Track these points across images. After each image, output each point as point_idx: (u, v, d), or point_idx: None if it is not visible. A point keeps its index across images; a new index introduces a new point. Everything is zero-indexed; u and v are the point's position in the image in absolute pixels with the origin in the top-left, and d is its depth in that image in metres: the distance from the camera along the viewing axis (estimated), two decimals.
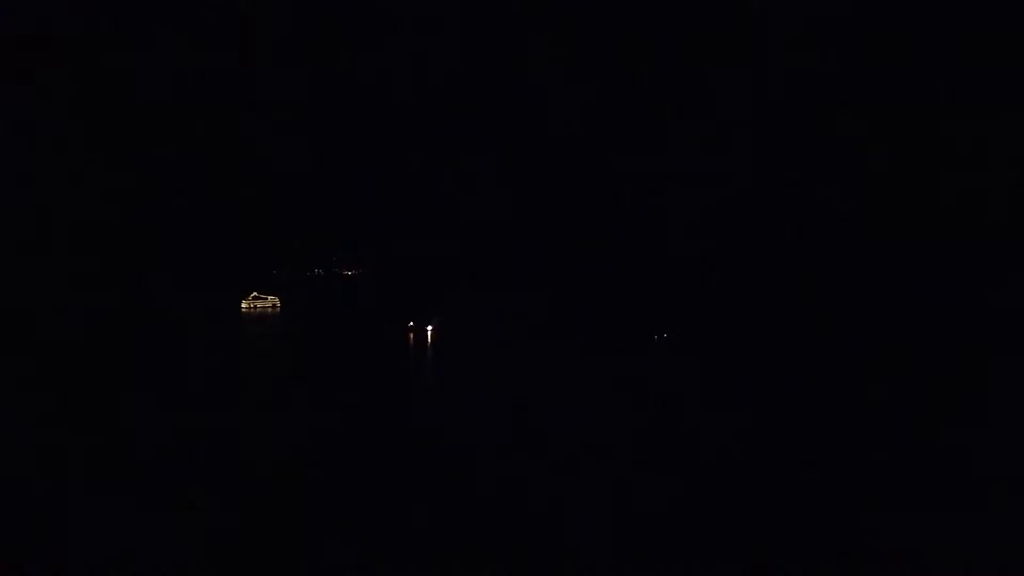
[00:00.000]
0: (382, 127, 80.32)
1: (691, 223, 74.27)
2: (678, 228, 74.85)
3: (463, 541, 19.56)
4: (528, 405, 38.08)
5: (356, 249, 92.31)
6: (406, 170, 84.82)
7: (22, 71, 66.03)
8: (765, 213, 71.92)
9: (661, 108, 74.00)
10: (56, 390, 35.40)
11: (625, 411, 37.56)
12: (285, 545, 18.99)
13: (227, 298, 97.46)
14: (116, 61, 70.91)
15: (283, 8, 78.03)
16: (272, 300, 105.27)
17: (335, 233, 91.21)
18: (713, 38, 69.92)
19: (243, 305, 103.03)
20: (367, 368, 57.88)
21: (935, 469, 22.33)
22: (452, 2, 75.25)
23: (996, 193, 59.78)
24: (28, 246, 77.17)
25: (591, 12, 73.61)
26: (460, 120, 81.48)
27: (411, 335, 78.11)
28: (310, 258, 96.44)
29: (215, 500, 20.79)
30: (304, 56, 75.95)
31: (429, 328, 78.64)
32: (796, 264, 68.87)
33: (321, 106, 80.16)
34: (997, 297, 54.32)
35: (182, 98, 77.98)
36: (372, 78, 77.05)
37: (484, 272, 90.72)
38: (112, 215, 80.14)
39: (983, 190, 60.53)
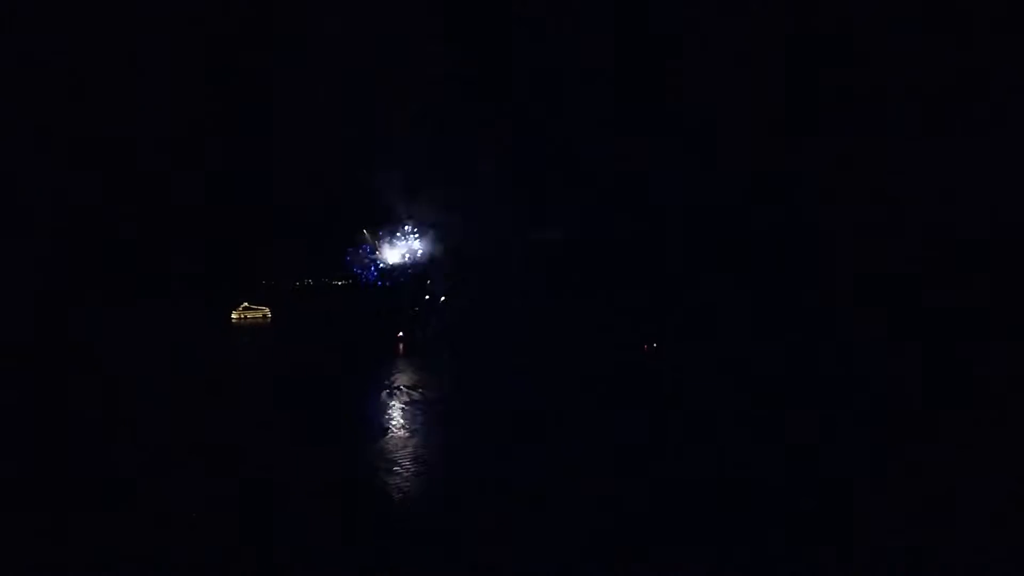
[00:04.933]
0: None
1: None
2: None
3: None
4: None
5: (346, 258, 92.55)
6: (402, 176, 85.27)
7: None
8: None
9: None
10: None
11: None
12: None
13: (217, 308, 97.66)
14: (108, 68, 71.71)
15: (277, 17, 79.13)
16: (263, 310, 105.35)
17: (325, 243, 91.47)
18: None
19: (233, 316, 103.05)
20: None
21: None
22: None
23: None
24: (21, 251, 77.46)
25: None
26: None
27: (400, 345, 78.28)
28: (300, 268, 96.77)
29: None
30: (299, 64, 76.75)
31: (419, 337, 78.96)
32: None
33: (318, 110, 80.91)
34: None
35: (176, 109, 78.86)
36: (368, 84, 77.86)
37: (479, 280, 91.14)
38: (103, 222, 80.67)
39: None
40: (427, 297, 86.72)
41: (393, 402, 41.69)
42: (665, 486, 21.26)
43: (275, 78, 76.97)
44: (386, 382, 49.54)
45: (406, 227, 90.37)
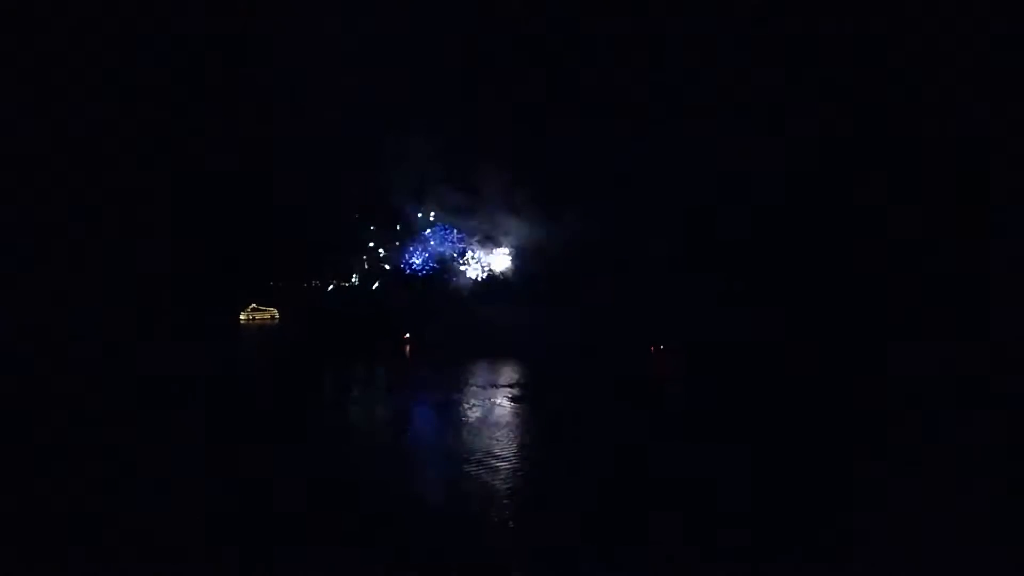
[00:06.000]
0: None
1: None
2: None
3: None
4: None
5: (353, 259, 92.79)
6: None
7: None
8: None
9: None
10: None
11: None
12: None
13: (226, 309, 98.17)
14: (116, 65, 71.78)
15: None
16: (271, 311, 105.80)
17: (332, 244, 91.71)
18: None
19: (242, 317, 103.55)
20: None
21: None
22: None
23: None
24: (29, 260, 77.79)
25: None
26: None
27: (407, 346, 78.10)
28: (307, 269, 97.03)
29: None
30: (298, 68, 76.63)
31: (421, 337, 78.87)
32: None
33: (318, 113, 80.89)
34: None
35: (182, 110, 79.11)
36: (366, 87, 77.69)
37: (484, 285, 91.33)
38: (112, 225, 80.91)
39: None
40: (436, 299, 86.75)
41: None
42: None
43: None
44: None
45: (423, 228, 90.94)
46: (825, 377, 49.16)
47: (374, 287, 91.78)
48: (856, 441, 29.17)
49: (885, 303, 64.56)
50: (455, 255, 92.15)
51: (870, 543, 17.47)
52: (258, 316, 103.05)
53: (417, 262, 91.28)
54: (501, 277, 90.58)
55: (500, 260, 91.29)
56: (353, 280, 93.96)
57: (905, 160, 65.41)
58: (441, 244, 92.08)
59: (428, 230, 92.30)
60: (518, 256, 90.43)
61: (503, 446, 28.22)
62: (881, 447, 27.81)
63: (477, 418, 34.86)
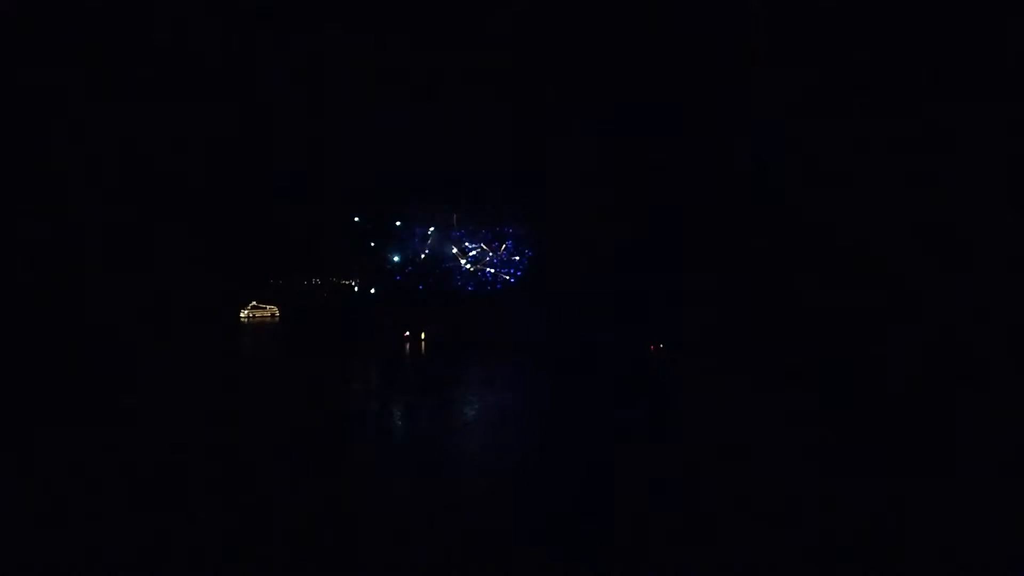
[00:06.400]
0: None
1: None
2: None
3: None
4: None
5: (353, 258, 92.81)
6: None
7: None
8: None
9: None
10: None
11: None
12: None
13: (226, 307, 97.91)
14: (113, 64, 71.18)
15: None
16: (271, 309, 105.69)
17: (332, 242, 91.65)
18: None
19: (242, 314, 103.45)
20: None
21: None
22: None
23: None
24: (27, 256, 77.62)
25: None
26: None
27: (407, 344, 78.30)
28: (307, 267, 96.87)
29: None
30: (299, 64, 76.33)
31: (422, 335, 78.92)
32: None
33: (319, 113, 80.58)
34: None
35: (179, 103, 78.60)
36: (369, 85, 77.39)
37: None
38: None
39: None
40: (436, 297, 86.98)
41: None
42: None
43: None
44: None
45: (425, 227, 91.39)
46: (825, 376, 49.18)
47: (374, 286, 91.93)
48: (856, 440, 29.20)
49: (885, 301, 64.40)
50: (456, 252, 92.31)
51: (870, 543, 17.50)
52: (258, 314, 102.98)
53: (419, 260, 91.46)
54: (502, 276, 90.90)
55: (502, 259, 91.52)
56: (353, 280, 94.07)
57: (905, 157, 65.20)
58: (442, 243, 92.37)
59: (430, 228, 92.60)
60: (520, 255, 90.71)
61: (503, 446, 28.24)
62: (880, 446, 27.83)
63: (476, 417, 34.88)
